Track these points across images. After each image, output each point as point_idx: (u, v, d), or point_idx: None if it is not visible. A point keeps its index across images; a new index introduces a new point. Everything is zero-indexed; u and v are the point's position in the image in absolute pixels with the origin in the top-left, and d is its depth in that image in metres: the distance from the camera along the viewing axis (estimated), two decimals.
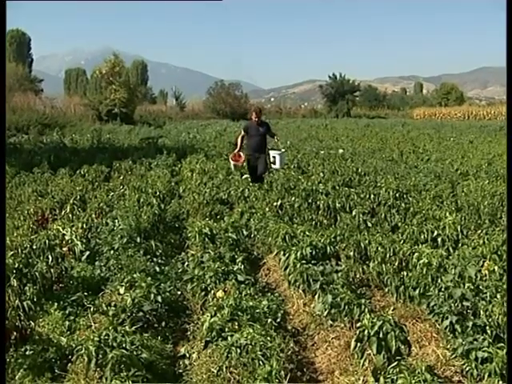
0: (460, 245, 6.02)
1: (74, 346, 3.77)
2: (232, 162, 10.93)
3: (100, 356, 3.54)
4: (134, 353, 3.67)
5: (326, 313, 4.61)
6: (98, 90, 44.04)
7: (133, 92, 40.70)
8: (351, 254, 6.00)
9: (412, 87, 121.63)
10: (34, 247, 5.47)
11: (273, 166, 10.65)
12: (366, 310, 4.36)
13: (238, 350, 3.73)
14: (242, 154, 10.82)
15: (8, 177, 11.04)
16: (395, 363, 3.49)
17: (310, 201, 8.29)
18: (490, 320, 4.00)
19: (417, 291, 4.81)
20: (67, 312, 4.73)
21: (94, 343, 3.58)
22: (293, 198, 8.44)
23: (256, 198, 8.87)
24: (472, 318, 4.09)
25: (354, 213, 7.44)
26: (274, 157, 10.65)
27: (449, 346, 4.08)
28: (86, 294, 5.06)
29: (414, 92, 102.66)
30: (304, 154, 15.27)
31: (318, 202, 8.09)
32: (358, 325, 3.99)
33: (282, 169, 10.90)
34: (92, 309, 4.70)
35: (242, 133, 10.91)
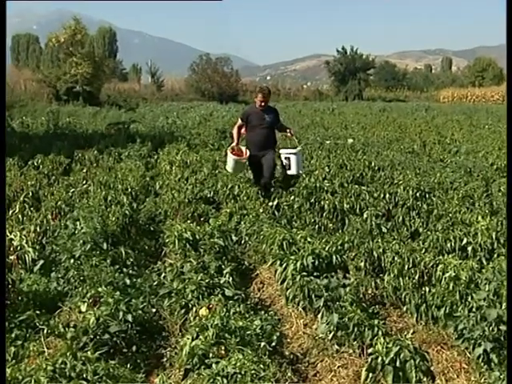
0: (495, 255, 6.04)
1: (20, 377, 3.68)
2: (232, 157, 9.30)
3: None
4: None
5: (331, 336, 4.62)
6: (55, 63, 43.80)
7: (98, 66, 40.65)
8: (362, 264, 6.02)
9: (439, 63, 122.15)
10: None
11: (287, 171, 9.34)
12: (380, 332, 4.37)
13: (225, 381, 3.73)
14: (242, 147, 9.52)
15: None
16: None
17: (312, 200, 8.31)
18: None
19: (442, 311, 4.82)
20: (14, 335, 4.67)
21: (47, 373, 3.55)
22: (292, 197, 8.45)
23: (248, 197, 8.87)
24: None
25: (365, 215, 7.46)
26: (287, 158, 9.20)
27: (483, 380, 4.09)
28: (38, 312, 5.00)
29: (441, 69, 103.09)
30: (306, 144, 15.29)
31: (323, 202, 8.11)
32: (370, 351, 4.00)
33: (300, 174, 9.63)
34: (46, 331, 4.66)
35: (239, 121, 9.67)
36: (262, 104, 9.31)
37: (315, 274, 5.38)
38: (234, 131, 9.69)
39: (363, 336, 4.44)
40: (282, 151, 9.31)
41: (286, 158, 9.18)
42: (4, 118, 6.51)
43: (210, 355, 4.04)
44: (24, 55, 66.32)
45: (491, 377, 3.87)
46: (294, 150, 9.23)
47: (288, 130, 9.79)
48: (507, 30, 5.23)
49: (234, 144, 9.49)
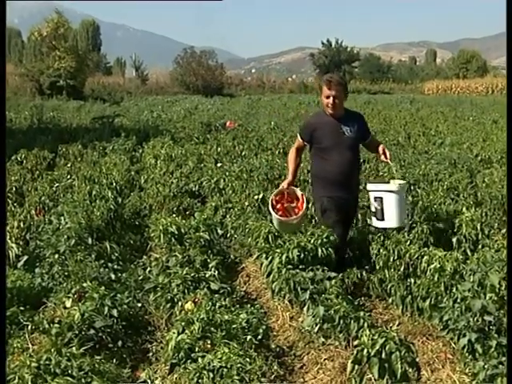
0: (480, 246, 6.07)
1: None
2: (275, 216, 5.92)
3: None
4: (83, 380, 3.63)
5: (316, 328, 4.62)
6: (38, 57, 43.50)
7: (82, 60, 40.43)
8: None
9: (423, 55, 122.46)
10: None
11: (376, 222, 5.90)
12: (366, 324, 4.38)
13: (211, 374, 3.73)
14: (297, 190, 6.13)
15: None
16: None
17: None
18: None
19: (427, 302, 4.85)
20: None
21: (32, 370, 3.53)
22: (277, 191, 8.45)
23: (233, 191, 8.86)
24: (496, 335, 4.10)
25: None
26: (378, 198, 5.73)
27: (467, 371, 4.10)
28: (22, 308, 4.97)
29: (425, 61, 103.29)
30: (291, 136, 15.26)
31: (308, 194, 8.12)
32: (356, 343, 4.00)
33: (403, 227, 6.06)
34: (30, 327, 4.64)
35: (299, 140, 6.08)
36: (333, 103, 5.68)
37: (301, 266, 5.37)
38: (291, 158, 6.08)
39: (349, 328, 4.46)
40: (369, 187, 5.95)
41: (376, 198, 5.76)
42: (4, 116, 6.46)
43: (196, 349, 4.04)
44: (6, 49, 65.81)
45: (476, 367, 3.88)
46: (390, 186, 5.83)
47: (381, 148, 5.99)
48: (507, 28, 5.21)
49: (285, 183, 6.02)
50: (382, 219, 5.74)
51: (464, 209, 7.02)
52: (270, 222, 6.38)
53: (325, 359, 4.46)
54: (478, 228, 6.44)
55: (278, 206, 5.96)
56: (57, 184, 9.72)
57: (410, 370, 3.77)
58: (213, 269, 5.59)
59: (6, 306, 4.16)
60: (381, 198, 5.68)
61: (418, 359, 3.94)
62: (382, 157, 5.93)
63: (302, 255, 5.54)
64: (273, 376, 4.02)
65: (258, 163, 10.27)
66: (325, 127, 5.78)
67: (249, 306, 5.05)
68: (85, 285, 4.96)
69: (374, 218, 5.88)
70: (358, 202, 6.34)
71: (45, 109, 23.34)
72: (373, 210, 5.82)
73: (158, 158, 12.06)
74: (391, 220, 5.73)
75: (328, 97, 5.64)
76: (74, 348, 3.98)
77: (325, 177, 5.82)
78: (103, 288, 4.88)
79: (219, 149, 12.81)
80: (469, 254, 5.88)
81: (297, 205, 6.00)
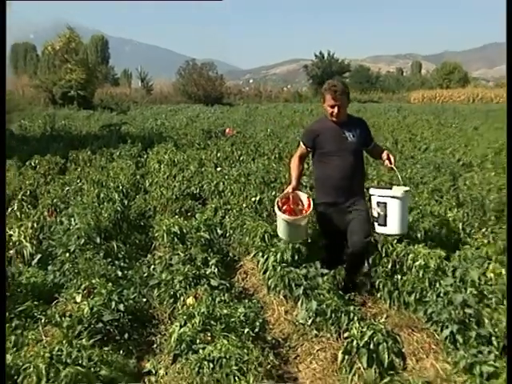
0: (461, 245, 6.08)
1: (21, 364, 3.68)
2: (281, 216, 5.38)
3: (51, 374, 3.49)
4: (92, 370, 3.64)
5: (310, 321, 4.63)
6: (51, 70, 43.40)
7: (92, 72, 40.34)
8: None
9: (409, 67, 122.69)
10: None
11: (378, 227, 5.37)
12: (355, 318, 4.39)
13: (211, 365, 3.73)
14: (302, 194, 5.69)
15: None
16: (388, 378, 3.53)
17: None
18: (496, 330, 4.04)
19: (412, 297, 4.87)
20: (14, 325, 4.64)
21: (45, 360, 3.54)
22: (273, 193, 8.45)
23: (232, 193, 8.86)
24: (475, 327, 4.12)
25: None
26: (381, 204, 5.29)
27: (449, 359, 4.11)
28: (36, 303, 4.98)
29: (411, 72, 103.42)
30: (286, 142, 15.28)
31: None
32: (346, 335, 4.02)
33: (403, 234, 5.57)
34: (43, 320, 4.64)
35: (302, 147, 5.69)
36: (336, 111, 5.28)
37: (295, 264, 5.39)
38: (293, 165, 5.70)
39: (340, 321, 4.46)
40: (372, 191, 5.46)
41: (379, 203, 5.32)
42: (4, 117, 6.47)
43: (197, 341, 4.04)
44: (22, 63, 65.80)
45: (457, 356, 3.91)
46: (396, 192, 5.33)
47: (386, 154, 5.64)
48: (507, 30, 5.19)
49: (289, 188, 5.56)
50: (385, 225, 5.29)
51: (447, 210, 7.04)
52: (274, 224, 6.17)
53: (317, 350, 4.46)
54: (460, 227, 6.47)
55: (285, 207, 5.48)
56: (68, 187, 9.71)
57: (397, 359, 3.79)
58: (213, 266, 5.59)
59: (5, 306, 4.14)
60: (384, 204, 5.25)
61: (403, 349, 3.96)
62: (387, 162, 5.56)
63: (296, 253, 5.55)
64: (269, 366, 4.01)
65: (255, 167, 10.28)
66: (327, 132, 5.40)
67: (246, 300, 5.05)
68: (94, 281, 4.97)
69: (375, 224, 5.38)
70: (366, 206, 5.49)
71: (57, 118, 23.35)
72: (375, 215, 5.34)
73: (161, 163, 12.06)
74: (393, 226, 5.28)
75: (333, 106, 5.25)
76: (83, 340, 3.99)
77: (326, 181, 5.43)
78: (111, 284, 4.89)
79: (219, 154, 12.80)
80: (451, 251, 5.90)
81: (303, 208, 5.54)
